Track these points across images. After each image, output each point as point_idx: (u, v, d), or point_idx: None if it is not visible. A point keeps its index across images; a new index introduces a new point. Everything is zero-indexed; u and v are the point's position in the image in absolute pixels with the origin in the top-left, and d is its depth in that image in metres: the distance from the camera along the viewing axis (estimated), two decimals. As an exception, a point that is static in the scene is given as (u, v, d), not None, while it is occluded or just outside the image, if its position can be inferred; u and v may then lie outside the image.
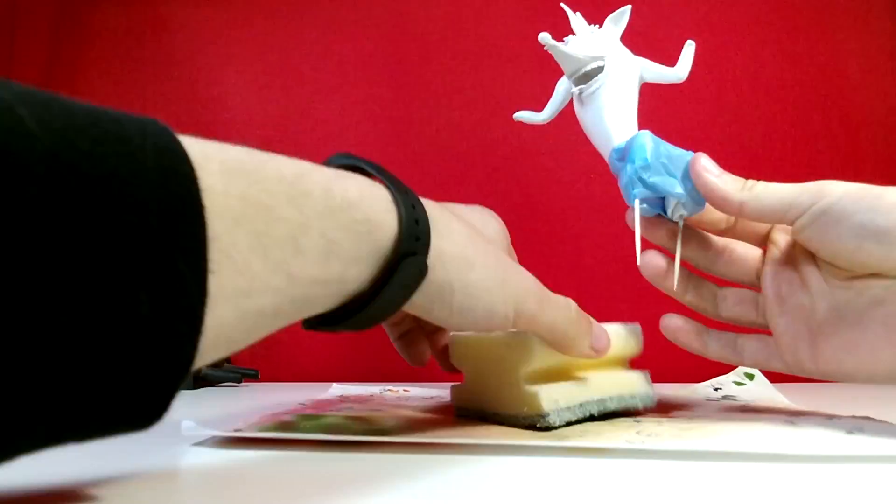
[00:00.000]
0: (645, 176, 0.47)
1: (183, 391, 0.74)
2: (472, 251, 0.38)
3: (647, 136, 0.49)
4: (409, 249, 0.33)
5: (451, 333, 0.50)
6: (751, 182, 0.44)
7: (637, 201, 0.49)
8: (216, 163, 0.26)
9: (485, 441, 0.39)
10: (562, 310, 0.43)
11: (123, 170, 0.22)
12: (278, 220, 0.28)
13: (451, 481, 0.30)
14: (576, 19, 0.55)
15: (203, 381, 0.83)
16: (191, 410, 0.62)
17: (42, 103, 0.21)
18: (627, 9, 0.53)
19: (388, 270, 0.33)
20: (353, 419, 0.47)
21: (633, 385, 0.48)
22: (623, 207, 1.05)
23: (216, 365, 0.88)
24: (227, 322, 0.26)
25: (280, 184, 0.29)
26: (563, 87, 0.54)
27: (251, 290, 0.27)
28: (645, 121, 1.07)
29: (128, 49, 1.11)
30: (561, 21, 1.10)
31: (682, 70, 0.54)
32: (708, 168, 0.44)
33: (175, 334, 0.23)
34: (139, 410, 0.24)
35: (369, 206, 0.33)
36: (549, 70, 1.09)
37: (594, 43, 0.53)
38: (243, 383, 0.86)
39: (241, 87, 1.10)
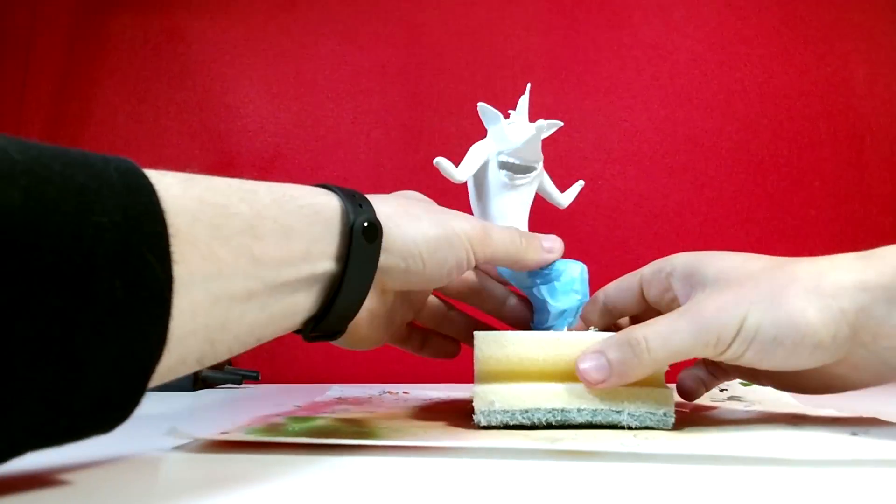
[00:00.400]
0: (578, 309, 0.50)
1: (182, 392, 0.74)
2: (413, 208, 0.42)
3: (586, 271, 0.51)
4: (357, 214, 0.37)
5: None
6: (642, 343, 0.41)
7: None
8: (171, 177, 0.30)
9: (474, 444, 0.38)
10: (507, 231, 0.48)
11: (91, 183, 0.25)
12: (233, 214, 0.31)
13: (439, 485, 0.30)
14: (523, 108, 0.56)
15: (203, 382, 0.84)
16: (189, 411, 0.62)
17: (18, 140, 0.24)
18: (559, 124, 0.56)
19: (347, 237, 0.36)
20: (345, 421, 0.47)
21: (625, 398, 0.43)
22: (627, 211, 1.07)
23: (217, 366, 0.89)
24: (200, 305, 0.29)
25: (230, 187, 0.32)
26: (482, 154, 0.53)
27: (220, 273, 0.29)
28: (655, 129, 1.08)
29: (143, 59, 1.13)
30: (572, 33, 1.12)
31: (566, 200, 0.58)
32: (593, 379, 0.42)
33: (147, 314, 0.26)
34: (117, 395, 0.26)
35: (310, 195, 0.37)
36: (559, 81, 1.11)
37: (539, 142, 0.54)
38: (244, 385, 0.87)
39: (255, 97, 1.12)
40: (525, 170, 0.52)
